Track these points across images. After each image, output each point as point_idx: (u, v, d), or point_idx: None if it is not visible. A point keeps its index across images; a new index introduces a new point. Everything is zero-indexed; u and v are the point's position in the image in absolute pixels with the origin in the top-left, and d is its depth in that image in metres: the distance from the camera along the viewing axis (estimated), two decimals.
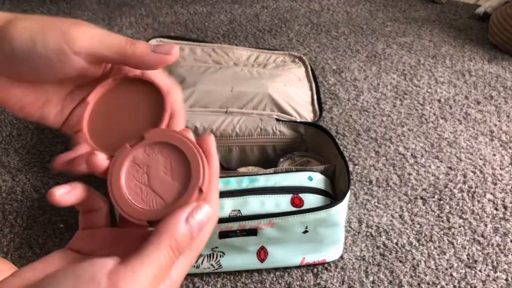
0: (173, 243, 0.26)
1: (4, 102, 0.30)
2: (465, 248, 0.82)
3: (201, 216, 0.27)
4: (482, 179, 0.95)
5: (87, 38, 0.28)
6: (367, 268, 0.79)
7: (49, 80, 0.30)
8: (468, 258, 0.81)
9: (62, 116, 0.32)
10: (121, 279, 0.24)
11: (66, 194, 0.28)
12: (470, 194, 0.92)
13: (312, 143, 0.88)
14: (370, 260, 0.80)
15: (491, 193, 0.92)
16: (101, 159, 0.29)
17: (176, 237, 0.26)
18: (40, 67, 0.28)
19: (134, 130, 0.30)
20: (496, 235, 0.84)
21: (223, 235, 0.72)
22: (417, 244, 0.83)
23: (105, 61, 0.30)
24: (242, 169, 0.85)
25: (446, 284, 0.77)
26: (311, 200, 0.74)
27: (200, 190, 0.28)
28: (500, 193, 0.92)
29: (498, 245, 0.83)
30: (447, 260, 0.80)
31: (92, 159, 0.29)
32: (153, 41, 1.01)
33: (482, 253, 0.81)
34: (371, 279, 0.78)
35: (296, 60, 1.05)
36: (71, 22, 0.29)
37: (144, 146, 0.29)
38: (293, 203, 0.74)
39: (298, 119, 0.90)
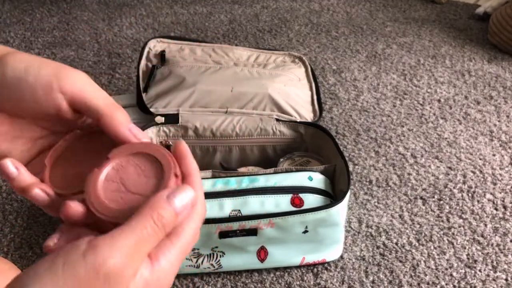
0: (156, 216, 0.26)
1: None
2: (465, 248, 0.82)
3: (184, 197, 0.28)
4: (482, 179, 0.95)
5: (79, 83, 0.29)
6: (367, 268, 0.79)
7: (28, 115, 0.30)
8: (468, 258, 0.81)
9: (26, 156, 0.32)
10: (100, 243, 0.25)
11: (58, 241, 0.29)
12: (470, 194, 0.92)
13: (312, 143, 0.88)
14: (370, 260, 0.80)
15: (491, 193, 0.92)
16: (75, 206, 0.29)
17: (159, 210, 0.27)
18: (25, 99, 0.29)
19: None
20: (496, 235, 0.85)
21: (223, 235, 0.72)
22: (417, 244, 0.83)
23: (85, 112, 0.31)
24: (242, 169, 0.85)
25: (446, 284, 0.77)
26: (311, 200, 0.74)
27: (176, 175, 0.29)
28: (500, 193, 0.92)
29: (498, 245, 0.83)
30: (447, 260, 0.80)
31: (66, 210, 0.29)
32: (153, 41, 1.01)
33: (482, 253, 0.82)
34: (371, 279, 0.78)
35: (296, 60, 1.05)
36: (71, 68, 0.30)
37: (112, 163, 0.30)
38: (293, 203, 0.74)
39: (298, 119, 0.90)
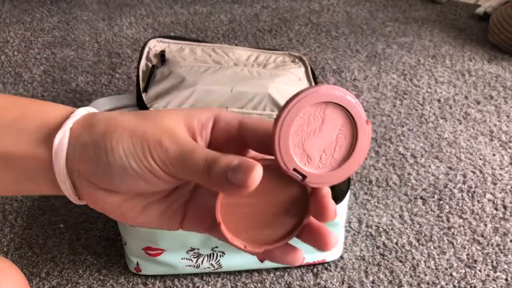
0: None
1: (104, 210, 0.29)
2: (465, 248, 0.82)
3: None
4: (482, 179, 0.95)
5: (170, 162, 0.26)
6: (367, 268, 0.79)
7: (147, 191, 0.28)
8: (468, 258, 0.81)
9: (174, 215, 0.30)
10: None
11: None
12: (470, 194, 0.92)
13: None
14: (370, 260, 0.80)
15: (491, 193, 0.92)
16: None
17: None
18: (137, 182, 0.27)
19: (273, 222, 0.29)
20: (496, 235, 0.85)
21: None
22: (417, 244, 0.83)
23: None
24: None
25: (446, 284, 0.77)
26: None
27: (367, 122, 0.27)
28: (500, 193, 0.92)
29: (498, 245, 0.83)
30: (447, 260, 0.80)
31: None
32: (153, 41, 1.01)
33: (482, 253, 0.81)
34: (371, 279, 0.78)
35: (296, 60, 1.05)
36: (156, 133, 0.27)
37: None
38: None
39: None
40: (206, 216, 0.30)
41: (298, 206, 0.29)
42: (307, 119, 0.27)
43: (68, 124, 0.27)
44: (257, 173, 0.25)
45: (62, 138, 0.27)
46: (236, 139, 0.28)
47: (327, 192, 0.27)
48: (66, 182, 0.27)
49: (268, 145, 0.27)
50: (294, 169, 0.27)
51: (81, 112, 0.28)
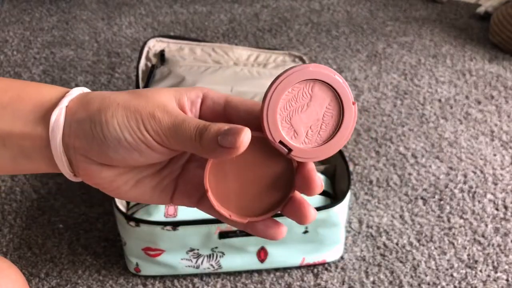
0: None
1: (98, 185, 0.30)
2: (465, 248, 0.82)
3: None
4: (483, 179, 0.95)
5: (163, 132, 0.27)
6: (367, 268, 0.79)
7: (141, 163, 0.29)
8: (469, 259, 0.80)
9: (164, 191, 0.31)
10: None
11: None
12: (470, 194, 0.92)
13: None
14: (371, 261, 0.80)
15: (492, 193, 0.92)
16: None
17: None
18: (131, 154, 0.28)
19: (262, 192, 0.30)
20: (496, 235, 0.84)
21: (223, 235, 0.72)
22: (417, 245, 0.82)
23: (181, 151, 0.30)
24: None
25: (447, 285, 0.76)
26: (311, 200, 0.74)
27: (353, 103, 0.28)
28: (501, 193, 0.92)
29: (498, 245, 0.82)
30: (448, 260, 0.80)
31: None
32: (153, 41, 1.01)
33: (483, 253, 0.81)
34: (372, 279, 0.77)
35: (296, 59, 1.04)
36: (148, 108, 0.28)
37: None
38: None
39: None
40: (195, 190, 0.31)
41: (283, 180, 0.29)
42: (295, 95, 0.28)
43: (64, 103, 0.28)
44: (246, 135, 0.26)
45: (58, 116, 0.28)
46: (222, 116, 0.30)
47: (312, 167, 0.29)
48: (62, 159, 0.29)
49: (252, 121, 0.28)
50: (281, 142, 0.28)
51: (76, 91, 0.30)
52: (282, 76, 0.28)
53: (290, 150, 0.28)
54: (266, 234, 0.30)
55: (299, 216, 0.29)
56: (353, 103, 0.28)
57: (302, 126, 0.28)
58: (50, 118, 0.28)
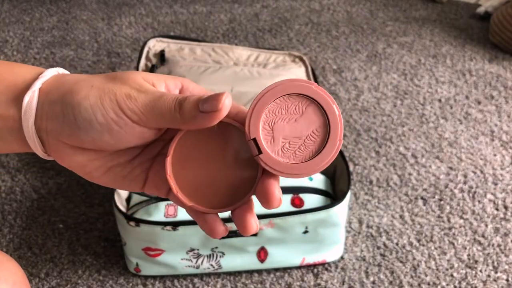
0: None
1: (71, 168, 0.30)
2: (465, 248, 0.82)
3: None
4: (483, 179, 0.95)
5: (140, 109, 0.27)
6: (367, 268, 0.79)
7: (111, 147, 0.29)
8: (469, 259, 0.80)
9: (136, 178, 0.31)
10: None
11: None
12: (470, 194, 0.92)
13: None
14: (371, 261, 0.80)
15: (492, 193, 0.92)
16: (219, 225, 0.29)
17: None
18: (104, 139, 0.28)
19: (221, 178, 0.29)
20: (496, 235, 0.84)
21: None
22: (417, 245, 0.82)
23: (163, 128, 0.29)
24: None
25: (447, 285, 0.76)
26: (311, 200, 0.74)
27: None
28: (501, 193, 0.92)
29: (498, 246, 0.82)
30: (448, 260, 0.80)
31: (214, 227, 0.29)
32: (153, 41, 1.01)
33: (483, 253, 0.81)
34: (372, 279, 0.77)
35: (296, 59, 1.04)
36: (124, 89, 0.28)
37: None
38: (293, 203, 0.73)
39: None
40: (164, 183, 0.31)
41: (244, 184, 0.29)
42: (289, 105, 0.27)
43: (37, 85, 0.28)
44: (228, 98, 0.26)
45: (31, 98, 0.28)
46: None
47: (275, 180, 0.28)
48: (35, 140, 0.29)
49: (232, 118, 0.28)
50: (254, 140, 0.27)
51: (50, 72, 0.29)
52: (284, 81, 0.27)
53: (260, 152, 0.27)
54: (201, 226, 0.30)
55: (239, 226, 0.29)
56: (339, 140, 0.27)
57: (282, 137, 0.27)
58: (23, 100, 0.28)
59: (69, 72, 0.31)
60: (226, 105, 0.26)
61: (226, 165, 0.29)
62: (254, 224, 0.28)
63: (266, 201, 0.28)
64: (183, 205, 0.30)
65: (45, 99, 0.28)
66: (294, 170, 0.27)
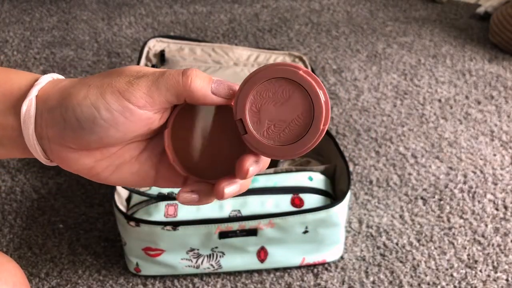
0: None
1: (77, 172, 0.30)
2: (465, 248, 0.82)
3: None
4: (483, 179, 0.95)
5: (144, 92, 0.27)
6: (367, 268, 0.79)
7: (118, 142, 0.29)
8: (469, 259, 0.80)
9: (147, 173, 0.31)
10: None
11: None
12: (470, 194, 0.92)
13: None
14: (371, 261, 0.80)
15: (492, 193, 0.92)
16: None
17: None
18: (107, 131, 0.27)
19: (222, 152, 0.30)
20: (496, 235, 0.84)
21: (223, 235, 0.72)
22: (417, 244, 0.82)
23: (169, 105, 0.29)
24: None
25: (447, 285, 0.76)
26: (311, 200, 0.74)
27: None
28: (501, 193, 0.92)
29: (498, 245, 0.82)
30: (448, 260, 0.80)
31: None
32: (153, 41, 1.01)
33: (483, 253, 0.81)
34: (372, 279, 0.77)
35: (296, 60, 1.04)
36: (123, 79, 0.28)
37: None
38: (293, 203, 0.73)
39: None
40: (176, 176, 0.31)
41: (233, 158, 0.30)
42: (277, 89, 0.28)
43: (34, 92, 0.28)
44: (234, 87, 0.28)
45: (29, 107, 0.28)
46: None
47: (254, 157, 0.29)
48: (36, 148, 0.28)
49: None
50: (241, 120, 0.28)
51: (46, 79, 0.29)
52: (275, 64, 0.28)
53: (245, 132, 0.28)
54: (199, 199, 0.30)
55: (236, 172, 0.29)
56: (323, 126, 0.28)
57: (268, 119, 0.28)
58: (20, 109, 0.28)
59: (63, 77, 0.31)
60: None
61: (222, 140, 0.30)
62: (223, 193, 0.29)
63: (236, 171, 0.28)
64: (176, 174, 0.31)
65: (43, 107, 0.28)
66: (275, 152, 0.28)
